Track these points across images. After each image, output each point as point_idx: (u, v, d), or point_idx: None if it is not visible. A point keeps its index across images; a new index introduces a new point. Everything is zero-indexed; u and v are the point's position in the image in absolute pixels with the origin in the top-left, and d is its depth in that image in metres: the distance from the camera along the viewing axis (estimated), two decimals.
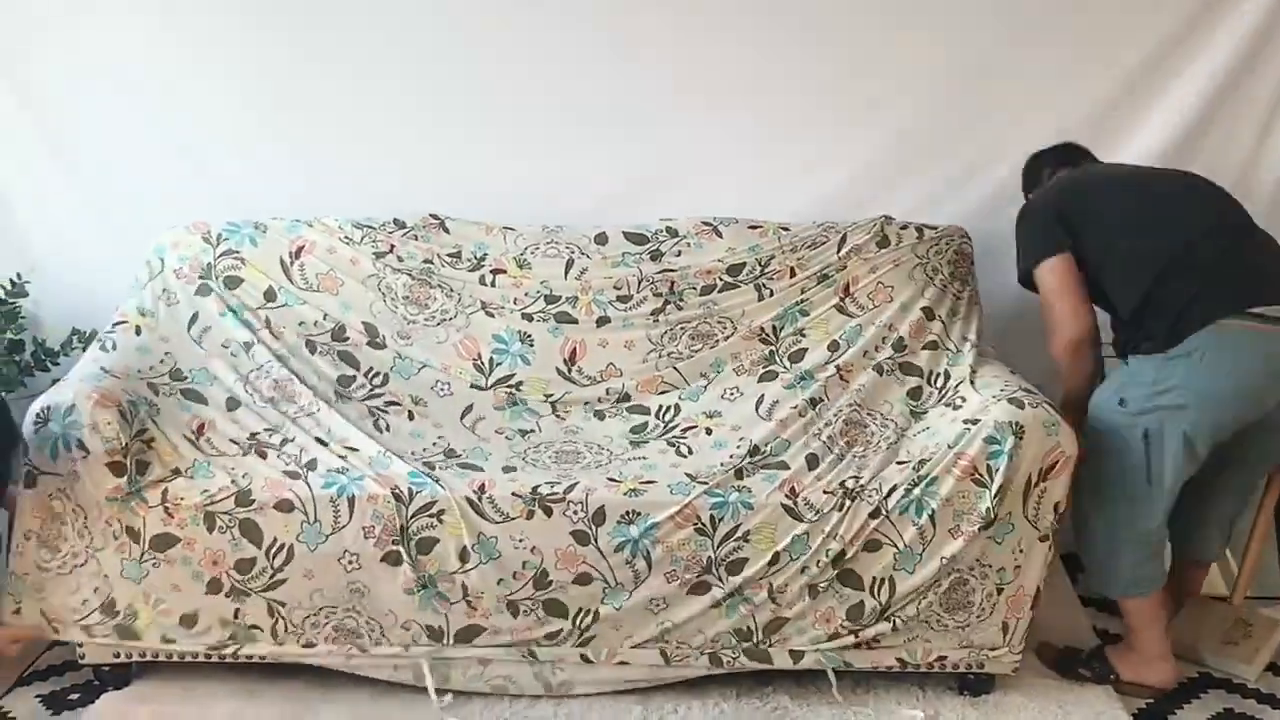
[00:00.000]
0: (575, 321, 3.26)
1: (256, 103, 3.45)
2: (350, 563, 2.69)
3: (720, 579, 2.70)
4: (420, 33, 3.41)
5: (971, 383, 2.97)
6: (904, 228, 3.32)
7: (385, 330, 3.24)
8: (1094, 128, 3.39)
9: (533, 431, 3.13)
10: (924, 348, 3.15)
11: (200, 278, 3.21)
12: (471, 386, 3.21)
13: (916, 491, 2.70)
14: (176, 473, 2.75)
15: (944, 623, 2.77)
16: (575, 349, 3.25)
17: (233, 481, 2.73)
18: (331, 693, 2.83)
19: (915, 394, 3.07)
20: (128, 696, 2.84)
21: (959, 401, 2.92)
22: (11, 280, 3.39)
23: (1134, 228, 2.81)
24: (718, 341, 3.25)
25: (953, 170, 3.49)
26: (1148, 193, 2.89)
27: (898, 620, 2.75)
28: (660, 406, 3.18)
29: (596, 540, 2.70)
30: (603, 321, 3.26)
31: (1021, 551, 2.74)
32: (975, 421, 2.72)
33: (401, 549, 2.69)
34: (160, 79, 3.45)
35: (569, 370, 3.24)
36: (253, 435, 2.92)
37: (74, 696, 2.85)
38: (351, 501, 2.71)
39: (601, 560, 2.70)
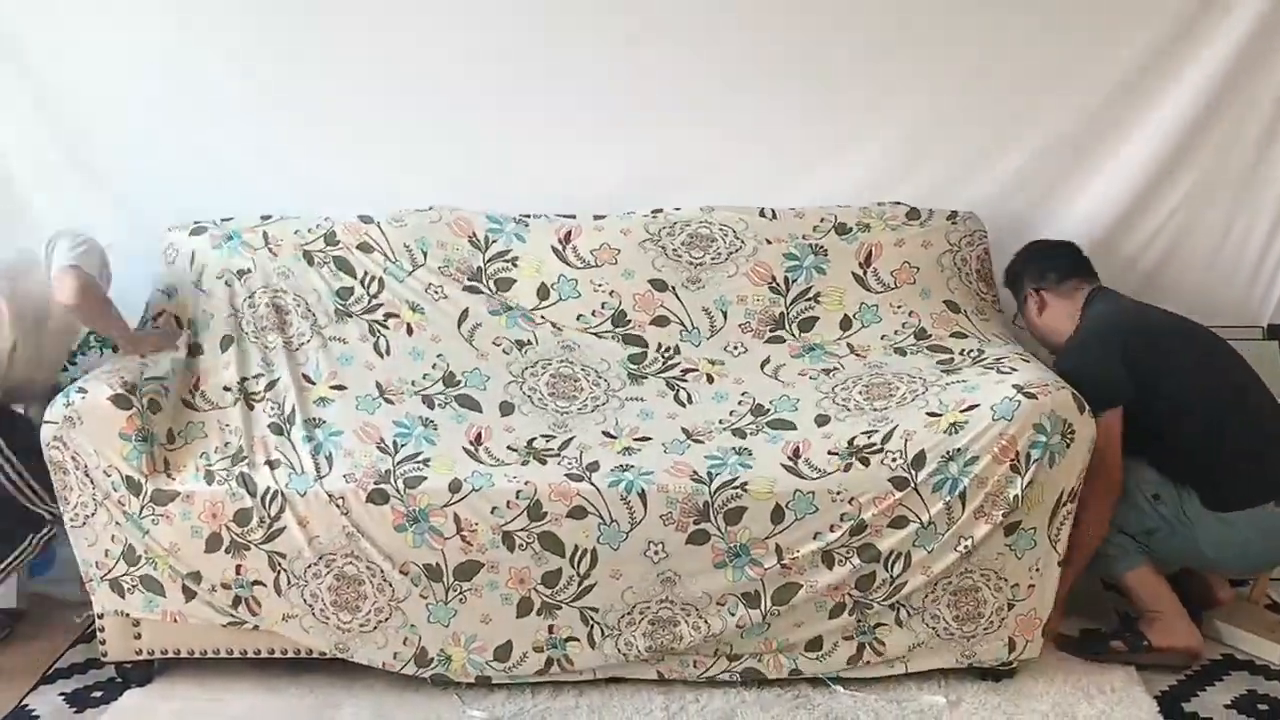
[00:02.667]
0: (573, 216, 3.31)
1: (271, 100, 3.49)
2: (339, 505, 2.73)
3: (719, 529, 2.70)
4: (429, 32, 3.44)
5: (1024, 360, 2.93)
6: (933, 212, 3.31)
7: (379, 217, 3.31)
8: (1104, 115, 3.38)
9: (529, 344, 3.15)
10: (951, 335, 3.14)
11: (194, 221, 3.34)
12: (465, 288, 3.22)
13: (953, 468, 2.68)
14: (170, 439, 2.85)
15: (950, 630, 2.79)
16: (571, 231, 3.28)
17: (226, 443, 2.84)
18: (354, 687, 2.87)
19: (946, 364, 3.03)
20: (150, 694, 2.89)
21: (1006, 368, 2.88)
22: None
23: (1208, 403, 2.90)
24: (720, 255, 3.23)
25: (964, 159, 3.47)
26: (1213, 362, 2.97)
27: (903, 611, 2.76)
28: (659, 344, 3.18)
29: (591, 479, 2.74)
30: (599, 216, 3.32)
31: (1038, 571, 2.76)
32: (1030, 395, 2.68)
33: (387, 487, 2.73)
34: (175, 79, 3.48)
35: (563, 249, 3.25)
36: (242, 380, 2.99)
37: (97, 694, 2.90)
38: (330, 458, 2.80)
39: (596, 495, 2.72)
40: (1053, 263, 3.16)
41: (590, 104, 3.47)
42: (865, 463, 2.73)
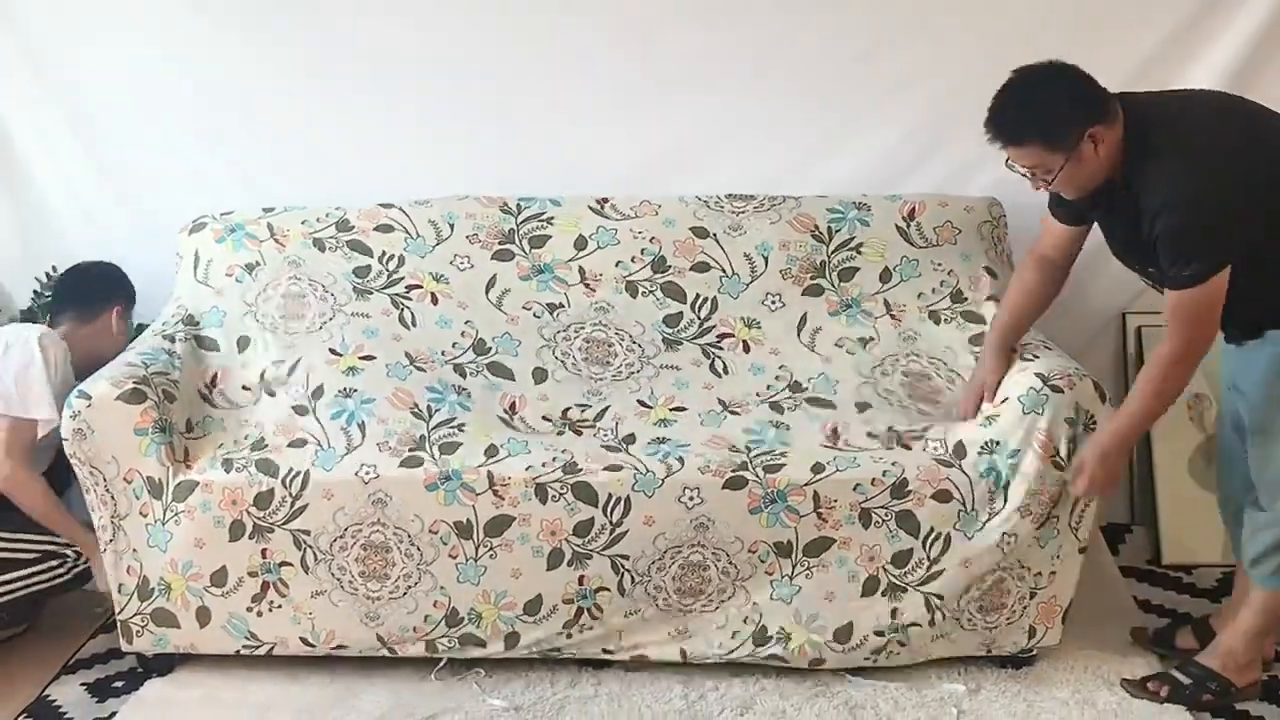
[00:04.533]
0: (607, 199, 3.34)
1: (282, 90, 3.52)
2: (369, 473, 2.74)
3: (757, 475, 2.71)
4: (441, 19, 3.46)
5: (1046, 346, 2.92)
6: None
7: (398, 201, 3.32)
8: None
9: (561, 306, 3.17)
10: (987, 299, 3.15)
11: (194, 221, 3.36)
12: (495, 254, 3.23)
13: (997, 460, 2.71)
14: (189, 428, 2.87)
15: (974, 622, 2.80)
16: (608, 196, 3.32)
17: (245, 435, 2.86)
18: (372, 677, 2.89)
19: (977, 341, 3.05)
20: (171, 683, 2.92)
21: (1028, 355, 2.87)
22: (46, 273, 3.47)
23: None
24: (764, 205, 3.25)
25: (981, 145, 3.46)
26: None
27: (938, 614, 2.76)
28: (698, 295, 3.19)
29: (628, 450, 2.79)
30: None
31: (1059, 559, 2.78)
32: (1055, 388, 2.69)
33: (423, 453, 2.77)
34: (188, 76, 3.52)
35: (602, 209, 3.28)
36: (262, 374, 3.01)
37: (119, 684, 2.93)
38: (363, 426, 2.83)
39: (632, 458, 2.76)
40: (1095, 88, 2.53)
41: (597, 96, 3.48)
42: (907, 448, 2.78)
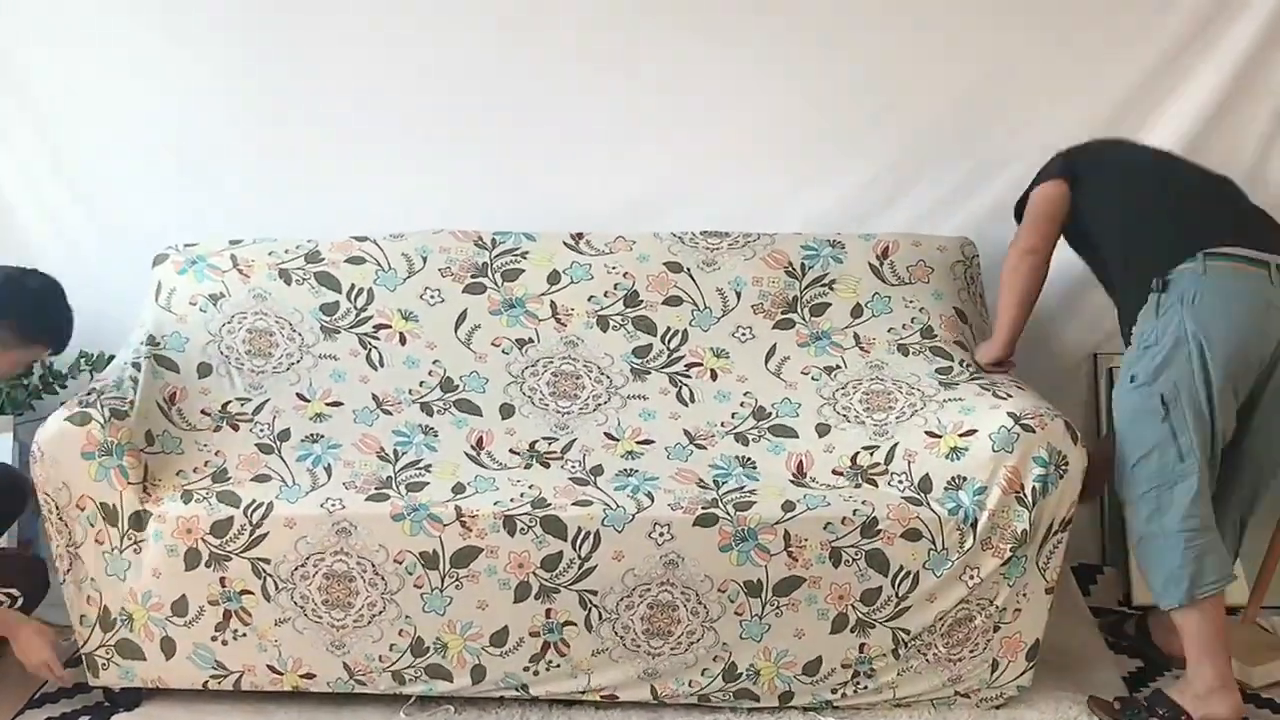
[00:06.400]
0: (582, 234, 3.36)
1: (260, 122, 3.55)
2: (334, 505, 2.75)
3: (728, 513, 2.72)
4: (423, 50, 3.49)
5: (1019, 387, 2.97)
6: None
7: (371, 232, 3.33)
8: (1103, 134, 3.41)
9: (531, 342, 3.19)
10: (955, 341, 3.18)
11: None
12: (466, 287, 3.23)
13: (963, 496, 2.72)
14: (149, 440, 2.87)
15: (937, 653, 2.80)
16: (583, 232, 3.34)
17: (206, 463, 2.87)
18: (341, 714, 2.87)
19: (945, 371, 3.08)
20: (138, 718, 2.89)
21: (1001, 393, 2.91)
22: None
23: (1134, 179, 2.97)
24: (738, 242, 3.27)
25: (957, 181, 3.50)
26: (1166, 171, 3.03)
27: (902, 648, 2.78)
28: (668, 328, 3.22)
29: (596, 483, 2.82)
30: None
31: (1025, 597, 2.79)
32: (1027, 427, 2.71)
33: (390, 491, 2.79)
34: (167, 104, 3.54)
35: (577, 244, 3.30)
36: (224, 406, 3.02)
37: (85, 719, 2.89)
38: (329, 469, 2.85)
39: (601, 493, 2.77)
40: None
41: (576, 132, 3.50)
42: (874, 484, 2.81)
